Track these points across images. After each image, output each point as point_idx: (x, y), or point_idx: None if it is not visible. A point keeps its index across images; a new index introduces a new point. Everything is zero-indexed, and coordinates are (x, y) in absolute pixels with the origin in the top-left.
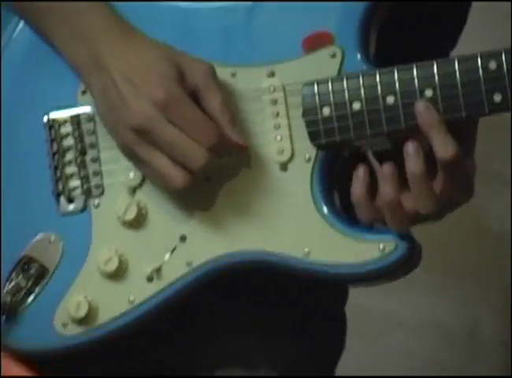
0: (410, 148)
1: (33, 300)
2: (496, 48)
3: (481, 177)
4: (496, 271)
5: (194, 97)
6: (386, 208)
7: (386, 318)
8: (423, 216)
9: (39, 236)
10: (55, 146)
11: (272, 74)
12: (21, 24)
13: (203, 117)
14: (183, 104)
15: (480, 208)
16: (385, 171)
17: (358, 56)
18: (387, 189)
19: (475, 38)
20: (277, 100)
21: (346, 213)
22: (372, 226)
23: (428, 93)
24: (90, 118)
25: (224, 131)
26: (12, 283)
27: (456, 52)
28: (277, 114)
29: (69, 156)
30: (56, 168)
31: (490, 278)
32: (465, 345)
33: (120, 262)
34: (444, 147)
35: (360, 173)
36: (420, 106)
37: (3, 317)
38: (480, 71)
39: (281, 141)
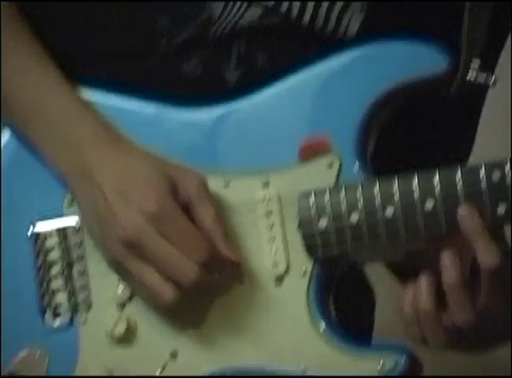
0: (447, 259)
1: None
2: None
3: None
4: None
5: (186, 210)
6: (423, 319)
7: None
8: (461, 331)
9: (25, 351)
10: (41, 259)
11: (266, 184)
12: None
13: (195, 232)
14: (175, 217)
15: None
16: (422, 283)
17: (356, 164)
18: (424, 299)
19: None
20: (272, 211)
21: (341, 325)
22: (369, 342)
23: (429, 204)
24: (77, 230)
25: (217, 246)
26: None
27: None
28: (272, 226)
29: (55, 269)
30: (41, 282)
31: None
32: None
33: None
34: (490, 254)
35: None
36: (463, 212)
37: None
38: (484, 182)
39: (276, 254)
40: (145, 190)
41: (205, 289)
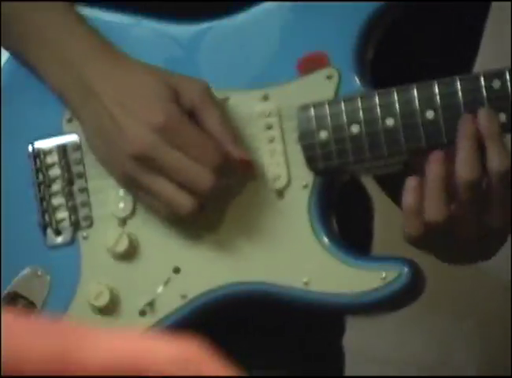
0: (463, 152)
1: None
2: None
3: None
4: (471, 304)
5: (192, 117)
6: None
7: (358, 353)
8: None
9: (26, 270)
10: (41, 177)
11: (265, 98)
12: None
13: (205, 138)
14: (183, 126)
15: None
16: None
17: (355, 77)
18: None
19: None
20: (272, 125)
21: (345, 240)
22: (373, 255)
23: (430, 114)
24: (77, 147)
25: (228, 149)
26: None
27: None
28: (272, 139)
29: (56, 186)
30: (42, 199)
31: (464, 312)
32: None
33: (111, 296)
34: (502, 158)
35: (412, 183)
36: (484, 114)
37: None
38: (484, 90)
39: (277, 167)
40: (149, 102)
41: (206, 203)
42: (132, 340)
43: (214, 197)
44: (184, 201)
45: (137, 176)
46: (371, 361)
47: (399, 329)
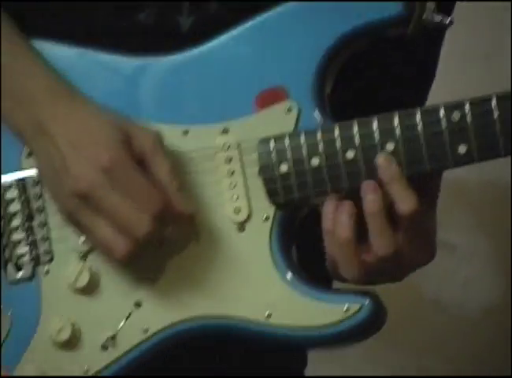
0: (367, 186)
1: None
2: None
3: None
4: (435, 342)
5: (141, 164)
6: (340, 248)
7: None
8: (382, 267)
9: None
10: (0, 212)
11: (225, 131)
12: None
13: (148, 184)
14: (127, 169)
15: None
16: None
17: (315, 110)
18: (343, 228)
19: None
20: (232, 158)
21: (306, 272)
22: (335, 288)
23: (390, 146)
24: (36, 182)
25: (171, 198)
26: None
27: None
28: (232, 173)
29: (16, 221)
30: (2, 235)
31: (428, 349)
32: None
33: (73, 331)
34: (405, 201)
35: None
36: (381, 160)
37: None
38: (443, 122)
39: (237, 200)
40: (98, 143)
41: (159, 242)
42: None
43: (151, 242)
44: (119, 245)
45: (78, 213)
46: None
47: (360, 367)
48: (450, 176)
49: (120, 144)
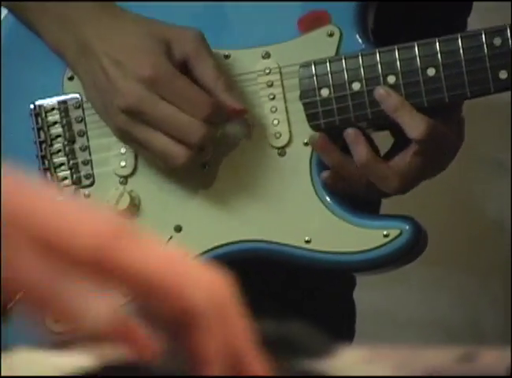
0: (350, 136)
1: None
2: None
3: (481, 165)
4: (497, 264)
5: (186, 67)
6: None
7: (380, 316)
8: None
9: None
10: (42, 135)
11: (267, 55)
12: (4, 11)
13: (195, 88)
14: (172, 78)
15: (479, 198)
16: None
17: (357, 34)
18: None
19: None
20: (273, 82)
21: (347, 198)
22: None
23: (431, 72)
24: (78, 105)
25: (219, 98)
26: None
27: None
28: (273, 97)
29: (57, 145)
30: (44, 157)
31: (490, 271)
32: (465, 343)
33: None
34: (413, 129)
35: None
36: (378, 94)
37: None
38: (485, 48)
39: (278, 125)
40: (139, 57)
41: (208, 161)
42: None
43: (208, 146)
44: (177, 153)
45: (128, 128)
46: (392, 324)
47: (424, 289)
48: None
49: (161, 53)
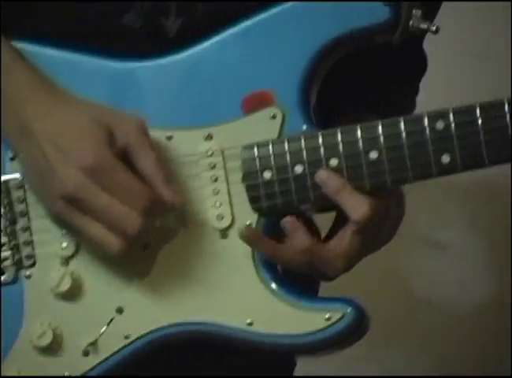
0: (288, 224)
1: None
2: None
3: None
4: (426, 340)
5: (127, 156)
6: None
7: None
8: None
9: None
10: None
11: (209, 137)
12: None
13: (134, 180)
14: (112, 169)
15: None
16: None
17: (299, 116)
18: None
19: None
20: (216, 164)
21: (289, 278)
22: (317, 294)
23: (373, 155)
24: (19, 185)
25: (158, 191)
26: None
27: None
28: (216, 179)
29: None
30: None
31: (421, 348)
32: None
33: (55, 336)
34: (355, 209)
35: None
36: (319, 178)
37: None
38: (427, 131)
39: (220, 207)
40: (81, 143)
41: (150, 242)
42: None
43: (144, 236)
44: (112, 243)
45: (68, 216)
46: None
47: (352, 365)
48: None
49: (103, 141)
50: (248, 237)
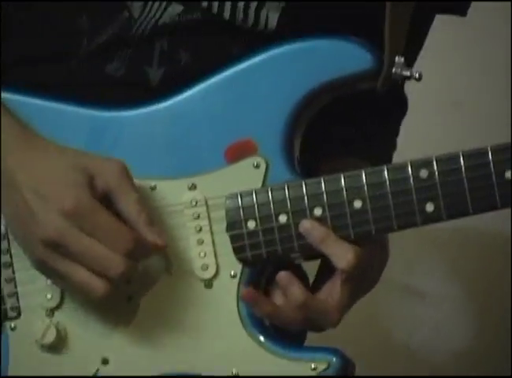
0: (282, 280)
1: None
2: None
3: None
4: None
5: (109, 199)
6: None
7: None
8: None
9: None
10: None
11: (193, 187)
12: None
13: (116, 222)
14: (93, 212)
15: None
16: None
17: (283, 165)
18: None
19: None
20: (200, 214)
21: (276, 330)
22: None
23: (357, 204)
24: (3, 237)
25: (140, 232)
26: None
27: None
28: (200, 229)
29: None
30: None
31: None
32: None
33: None
34: (340, 258)
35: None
36: (302, 228)
37: None
38: (411, 180)
39: (205, 257)
40: (61, 188)
41: (134, 293)
42: None
43: (128, 278)
44: (96, 286)
45: (48, 260)
46: None
47: None
48: None
49: (84, 185)
50: (249, 301)
